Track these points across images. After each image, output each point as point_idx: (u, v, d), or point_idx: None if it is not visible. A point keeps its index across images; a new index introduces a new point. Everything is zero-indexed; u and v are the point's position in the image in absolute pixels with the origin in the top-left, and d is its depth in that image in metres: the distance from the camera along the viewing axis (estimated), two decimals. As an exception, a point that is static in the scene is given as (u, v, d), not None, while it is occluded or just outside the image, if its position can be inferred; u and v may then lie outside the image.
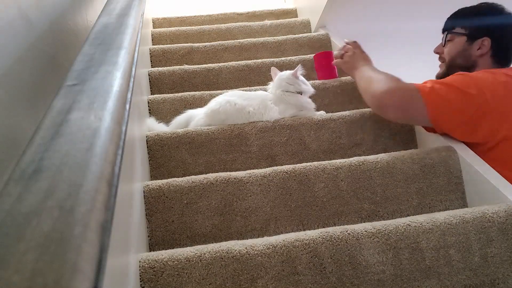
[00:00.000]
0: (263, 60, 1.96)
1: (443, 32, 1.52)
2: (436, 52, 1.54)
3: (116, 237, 0.65)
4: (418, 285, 0.93)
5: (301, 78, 1.52)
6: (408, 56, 3.01)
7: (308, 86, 1.53)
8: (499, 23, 1.38)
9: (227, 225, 1.13)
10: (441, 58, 1.53)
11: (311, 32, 2.41)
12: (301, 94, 1.50)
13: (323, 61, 1.85)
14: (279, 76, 1.52)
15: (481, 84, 1.22)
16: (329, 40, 2.23)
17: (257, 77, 1.90)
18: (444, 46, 1.50)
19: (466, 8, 1.47)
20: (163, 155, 1.35)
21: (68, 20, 1.03)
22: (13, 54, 0.68)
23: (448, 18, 1.52)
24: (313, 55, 1.90)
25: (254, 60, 1.96)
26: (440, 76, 1.49)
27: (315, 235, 0.96)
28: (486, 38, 1.38)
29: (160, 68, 1.90)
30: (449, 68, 1.46)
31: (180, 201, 1.14)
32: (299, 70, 1.49)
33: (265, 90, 1.56)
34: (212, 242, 1.02)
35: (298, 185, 1.19)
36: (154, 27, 2.56)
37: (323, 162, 1.24)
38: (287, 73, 1.51)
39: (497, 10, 1.40)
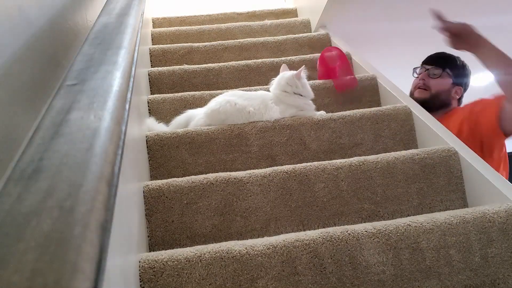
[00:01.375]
0: (263, 60, 1.96)
1: (431, 64, 1.74)
2: (421, 78, 1.74)
3: (116, 237, 0.65)
4: (418, 285, 0.93)
5: (304, 80, 1.50)
6: (407, 56, 3.01)
7: (307, 90, 1.51)
8: (468, 80, 1.78)
9: (227, 225, 1.13)
10: (424, 85, 1.73)
11: (311, 32, 2.41)
12: (301, 96, 1.49)
13: (337, 64, 1.77)
14: (281, 76, 1.51)
15: None
16: (329, 40, 2.23)
17: (257, 77, 1.90)
18: (430, 77, 1.73)
19: (454, 57, 1.75)
20: (163, 155, 1.35)
21: (68, 20, 1.03)
22: (12, 54, 0.68)
23: (439, 57, 1.76)
24: (313, 54, 1.89)
25: (254, 60, 1.96)
26: (421, 101, 1.65)
27: (315, 235, 0.95)
28: (460, 87, 1.74)
29: (160, 68, 1.90)
30: (433, 98, 1.70)
31: (180, 201, 1.13)
32: (303, 71, 1.48)
33: (268, 90, 1.56)
34: (212, 242, 1.02)
35: (298, 185, 1.18)
36: (154, 27, 2.56)
37: (323, 162, 1.24)
38: (288, 73, 1.51)
39: (469, 71, 1.76)
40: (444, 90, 1.72)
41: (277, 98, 1.48)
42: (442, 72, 1.72)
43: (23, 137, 0.64)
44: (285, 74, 1.51)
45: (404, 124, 1.48)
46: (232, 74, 1.89)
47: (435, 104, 1.68)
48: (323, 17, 2.28)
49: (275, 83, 1.51)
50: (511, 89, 1.46)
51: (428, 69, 1.74)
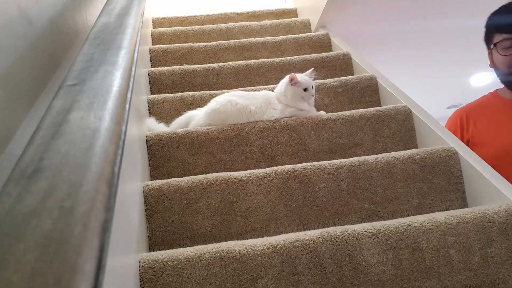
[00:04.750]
0: (263, 60, 1.96)
1: None
2: None
3: (116, 237, 0.65)
4: (418, 285, 0.93)
5: (295, 89, 1.47)
6: (407, 56, 3.01)
7: (287, 98, 1.48)
8: None
9: (227, 225, 1.13)
10: None
11: (311, 32, 2.41)
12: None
13: None
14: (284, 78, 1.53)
15: None
16: (329, 40, 2.23)
17: (257, 77, 1.90)
18: None
19: None
20: (163, 155, 1.35)
21: (68, 20, 1.03)
22: (12, 54, 0.68)
23: None
24: (313, 54, 1.88)
25: (254, 60, 1.96)
26: None
27: (315, 235, 0.95)
28: None
29: (160, 68, 1.90)
30: None
31: (180, 201, 1.14)
32: (299, 77, 1.48)
33: (271, 90, 1.57)
34: (212, 242, 1.02)
35: (298, 185, 1.18)
36: (154, 27, 2.56)
37: (323, 162, 1.24)
38: (287, 77, 1.51)
39: None
40: None
41: (278, 97, 1.50)
42: None
43: (23, 137, 0.64)
44: (286, 77, 1.52)
45: (404, 124, 1.48)
46: (232, 74, 1.89)
47: None
48: (323, 17, 2.28)
49: (279, 84, 1.53)
50: None
51: None
